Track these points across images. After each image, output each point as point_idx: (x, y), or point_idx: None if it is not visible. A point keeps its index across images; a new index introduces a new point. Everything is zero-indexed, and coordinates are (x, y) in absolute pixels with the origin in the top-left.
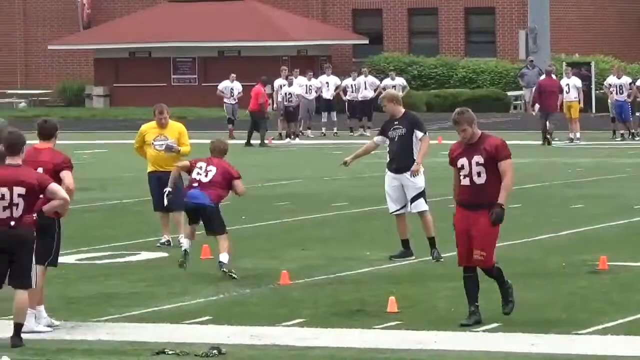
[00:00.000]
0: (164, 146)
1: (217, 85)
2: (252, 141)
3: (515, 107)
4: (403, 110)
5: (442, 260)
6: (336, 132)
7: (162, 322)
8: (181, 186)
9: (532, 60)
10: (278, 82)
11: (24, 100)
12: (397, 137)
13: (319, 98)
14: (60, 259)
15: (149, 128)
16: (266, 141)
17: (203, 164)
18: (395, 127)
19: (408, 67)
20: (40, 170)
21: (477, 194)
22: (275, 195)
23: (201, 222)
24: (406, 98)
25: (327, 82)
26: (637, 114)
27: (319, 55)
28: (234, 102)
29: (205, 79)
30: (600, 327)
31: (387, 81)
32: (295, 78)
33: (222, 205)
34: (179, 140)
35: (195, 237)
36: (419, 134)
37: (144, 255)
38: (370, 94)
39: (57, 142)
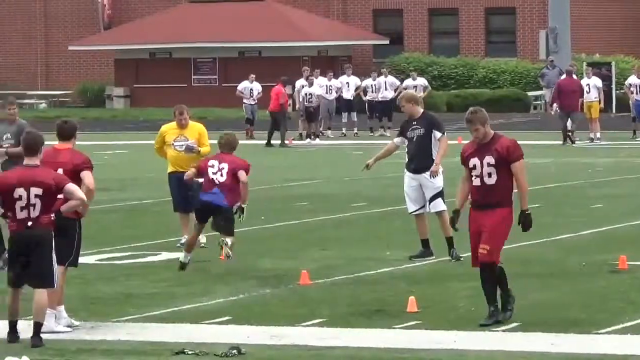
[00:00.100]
0: (184, 147)
1: (237, 86)
2: (272, 141)
3: (535, 107)
4: (421, 110)
5: (461, 259)
6: (356, 133)
7: (181, 322)
8: (197, 186)
9: (552, 60)
10: (300, 83)
11: (44, 101)
12: (415, 137)
13: (339, 98)
14: (81, 260)
15: (169, 129)
16: (286, 141)
17: (215, 162)
18: (413, 127)
19: (428, 67)
20: (60, 170)
21: (487, 194)
22: (295, 196)
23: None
24: (427, 98)
25: (348, 83)
26: None
27: (339, 55)
28: (253, 103)
29: (226, 80)
30: (619, 326)
31: (409, 81)
32: (316, 78)
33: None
34: (199, 141)
35: (195, 247)
36: (437, 134)
37: (164, 256)
38: (390, 94)
39: (78, 142)
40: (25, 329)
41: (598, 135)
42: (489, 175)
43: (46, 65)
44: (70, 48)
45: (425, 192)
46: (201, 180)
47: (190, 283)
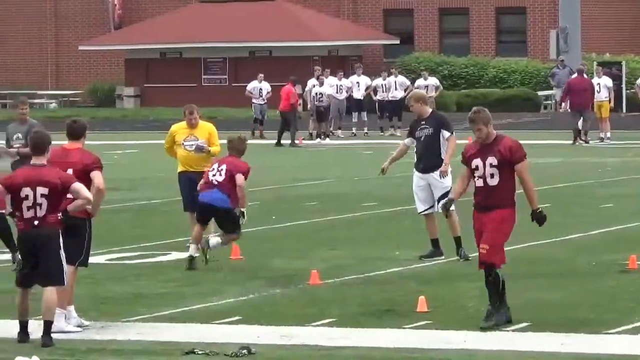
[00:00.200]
0: (194, 146)
1: (247, 86)
2: (282, 141)
3: (545, 107)
4: (430, 110)
5: (469, 259)
6: (367, 132)
7: (192, 322)
8: None
9: (562, 60)
10: (311, 82)
11: (54, 101)
12: (423, 137)
13: (349, 98)
14: (91, 259)
15: (179, 128)
16: (296, 141)
17: (216, 164)
18: (422, 126)
19: (439, 67)
20: (70, 171)
21: (489, 195)
22: (305, 195)
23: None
24: (438, 98)
25: (358, 82)
26: None
27: (349, 55)
28: (262, 103)
29: (236, 79)
30: (630, 326)
31: (420, 81)
32: (326, 78)
33: (253, 206)
34: (209, 141)
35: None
36: (445, 133)
37: (174, 255)
38: (400, 94)
39: (87, 142)
40: (35, 329)
41: (608, 134)
42: (492, 176)
43: (56, 65)
44: (80, 48)
45: (434, 191)
46: None
47: (200, 283)
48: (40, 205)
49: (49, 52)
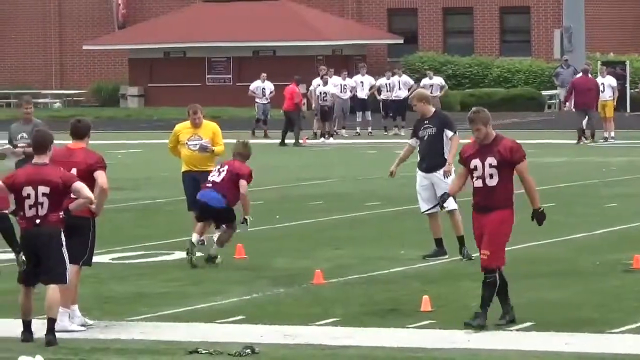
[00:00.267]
0: (198, 146)
1: (250, 85)
2: (286, 140)
3: (549, 107)
4: (433, 109)
5: (472, 258)
6: (371, 132)
7: (195, 321)
8: None
9: (566, 60)
10: (315, 82)
11: (58, 100)
12: (427, 137)
13: (353, 97)
14: (94, 259)
15: (183, 128)
16: (300, 141)
17: (218, 166)
18: (425, 126)
19: (443, 66)
20: (73, 170)
21: (488, 196)
22: (308, 195)
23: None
24: (443, 97)
25: (362, 82)
26: None
27: (353, 54)
28: (265, 102)
29: (240, 79)
30: (634, 325)
31: (425, 80)
32: (330, 77)
33: (256, 205)
34: (213, 140)
35: (205, 232)
36: (449, 133)
37: (178, 255)
38: (404, 93)
39: (91, 142)
40: (39, 328)
41: (612, 134)
42: (491, 176)
43: (60, 64)
44: (84, 47)
45: (437, 190)
46: None
47: (204, 282)
48: (42, 204)
49: (53, 51)
